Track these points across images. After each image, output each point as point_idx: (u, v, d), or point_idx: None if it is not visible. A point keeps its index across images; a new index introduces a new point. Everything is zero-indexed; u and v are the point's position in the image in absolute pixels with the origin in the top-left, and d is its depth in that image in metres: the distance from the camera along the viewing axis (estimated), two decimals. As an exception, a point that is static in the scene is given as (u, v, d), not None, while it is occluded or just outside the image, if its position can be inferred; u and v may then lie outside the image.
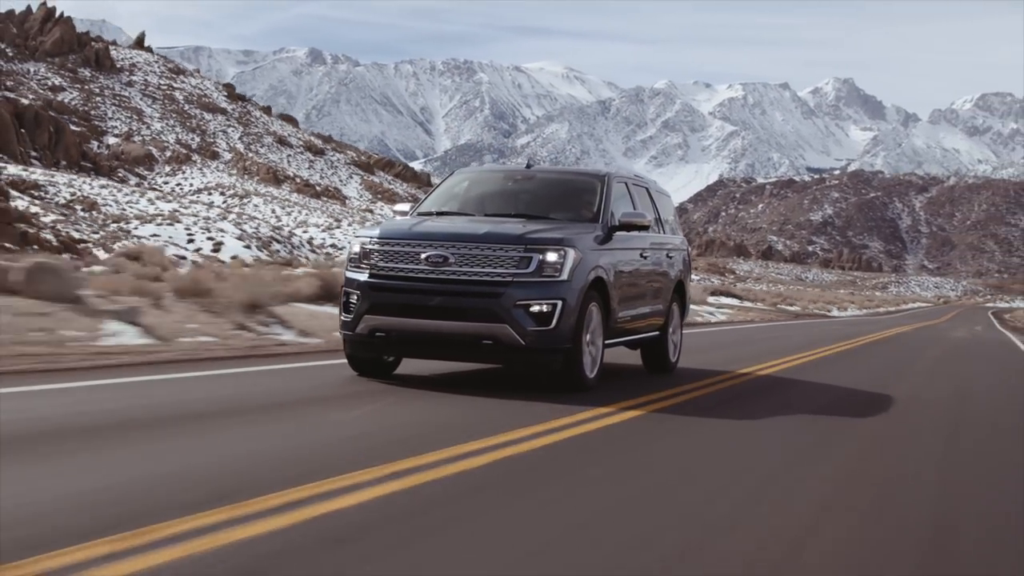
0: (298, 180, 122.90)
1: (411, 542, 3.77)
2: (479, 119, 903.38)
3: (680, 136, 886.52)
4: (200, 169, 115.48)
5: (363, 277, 8.05)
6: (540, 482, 5.00)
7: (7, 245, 37.54)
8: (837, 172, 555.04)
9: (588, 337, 8.20)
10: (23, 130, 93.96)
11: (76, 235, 47.92)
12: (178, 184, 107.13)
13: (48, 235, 44.83)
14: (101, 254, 41.20)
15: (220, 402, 6.98)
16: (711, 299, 34.12)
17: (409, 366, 9.13)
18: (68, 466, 4.68)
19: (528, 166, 10.14)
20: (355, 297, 8.06)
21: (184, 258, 41.70)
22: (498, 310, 7.65)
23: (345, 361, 8.69)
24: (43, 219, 49.48)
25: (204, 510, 3.86)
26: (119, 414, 6.16)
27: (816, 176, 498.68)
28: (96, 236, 49.97)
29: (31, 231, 43.41)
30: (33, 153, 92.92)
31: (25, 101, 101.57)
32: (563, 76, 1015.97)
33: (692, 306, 34.72)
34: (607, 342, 8.75)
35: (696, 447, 6.46)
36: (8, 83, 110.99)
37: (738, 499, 4.98)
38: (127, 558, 3.28)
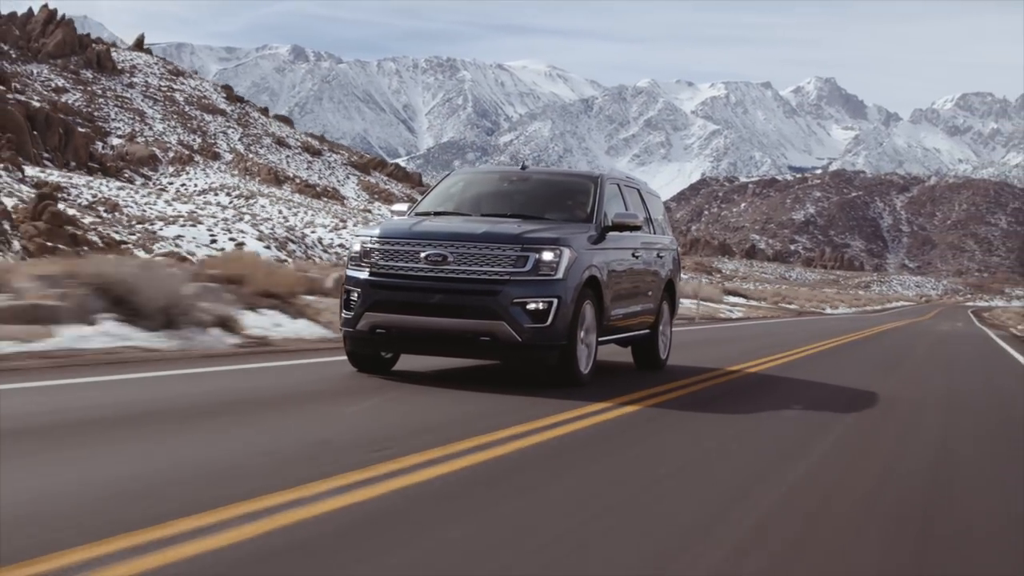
0: (298, 181, 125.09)
1: (411, 540, 3.74)
2: (462, 117, 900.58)
3: (663, 135, 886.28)
4: (203, 170, 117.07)
5: (364, 275, 8.24)
6: (543, 479, 4.99)
7: (60, 246, 40.29)
8: (819, 171, 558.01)
9: (583, 334, 8.40)
10: (35, 132, 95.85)
11: (116, 236, 50.55)
12: (183, 185, 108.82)
13: (92, 237, 47.54)
14: (142, 255, 43.93)
15: (222, 396, 7.21)
16: (726, 298, 37.47)
17: (407, 362, 9.28)
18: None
19: (523, 167, 10.31)
20: (356, 295, 8.24)
21: (283, 260, 44.75)
22: (496, 307, 7.83)
23: (345, 358, 8.89)
24: (83, 221, 52.10)
25: (202, 509, 3.83)
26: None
27: (798, 175, 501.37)
28: (133, 237, 52.55)
29: (78, 233, 46.14)
30: (45, 155, 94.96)
31: (36, 103, 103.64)
32: (546, 74, 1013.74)
33: (712, 303, 37.95)
34: (600, 339, 8.94)
35: (695, 441, 6.51)
36: (16, 86, 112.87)
37: (740, 490, 5.02)
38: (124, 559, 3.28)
